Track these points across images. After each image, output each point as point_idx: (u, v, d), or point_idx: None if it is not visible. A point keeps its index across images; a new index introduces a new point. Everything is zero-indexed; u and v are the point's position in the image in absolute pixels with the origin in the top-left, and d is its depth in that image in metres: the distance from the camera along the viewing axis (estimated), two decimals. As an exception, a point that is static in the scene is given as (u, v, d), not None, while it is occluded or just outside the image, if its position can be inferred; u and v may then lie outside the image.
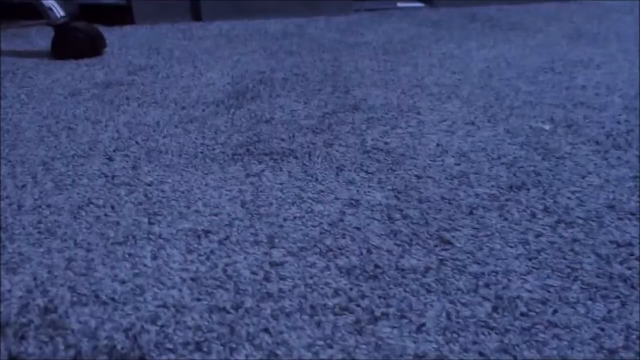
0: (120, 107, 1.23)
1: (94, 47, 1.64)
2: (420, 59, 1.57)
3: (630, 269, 0.69)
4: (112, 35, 1.86)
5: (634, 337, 0.59)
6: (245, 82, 1.39)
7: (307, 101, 1.24)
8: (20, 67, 1.53)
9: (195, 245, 0.74)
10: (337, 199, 0.85)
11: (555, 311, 0.63)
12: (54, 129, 1.12)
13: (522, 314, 0.62)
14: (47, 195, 0.88)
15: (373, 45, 1.72)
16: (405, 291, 0.66)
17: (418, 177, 0.91)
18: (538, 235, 0.76)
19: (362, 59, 1.58)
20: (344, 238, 0.76)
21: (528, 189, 0.87)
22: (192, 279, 0.68)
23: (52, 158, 1.00)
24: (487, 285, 0.67)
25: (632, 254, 0.72)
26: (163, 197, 0.86)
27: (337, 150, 1.01)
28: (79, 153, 1.02)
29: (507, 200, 0.84)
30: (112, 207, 0.84)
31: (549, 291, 0.66)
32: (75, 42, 1.61)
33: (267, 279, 0.68)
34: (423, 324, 0.61)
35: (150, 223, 0.79)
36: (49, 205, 0.85)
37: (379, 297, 0.65)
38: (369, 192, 0.87)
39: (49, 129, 1.12)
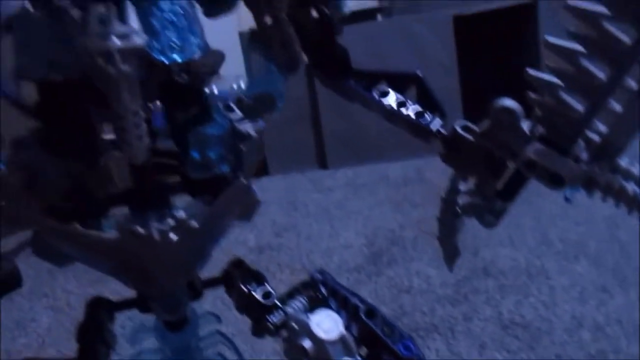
0: (275, 274, 1.42)
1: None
2: (543, 206, 1.65)
3: None
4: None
5: None
6: (379, 242, 1.54)
7: (439, 265, 1.36)
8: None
9: None
10: (483, 382, 0.95)
11: None
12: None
13: None
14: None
15: (492, 191, 1.83)
16: None
17: (557, 356, 0.99)
18: None
19: (483, 208, 1.69)
20: None
21: (670, 373, 0.91)
22: None
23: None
24: None
25: None
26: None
27: (476, 325, 1.10)
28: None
29: (649, 385, 0.89)
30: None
31: None
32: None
33: None
34: None
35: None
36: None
37: None
38: (513, 374, 0.96)
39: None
